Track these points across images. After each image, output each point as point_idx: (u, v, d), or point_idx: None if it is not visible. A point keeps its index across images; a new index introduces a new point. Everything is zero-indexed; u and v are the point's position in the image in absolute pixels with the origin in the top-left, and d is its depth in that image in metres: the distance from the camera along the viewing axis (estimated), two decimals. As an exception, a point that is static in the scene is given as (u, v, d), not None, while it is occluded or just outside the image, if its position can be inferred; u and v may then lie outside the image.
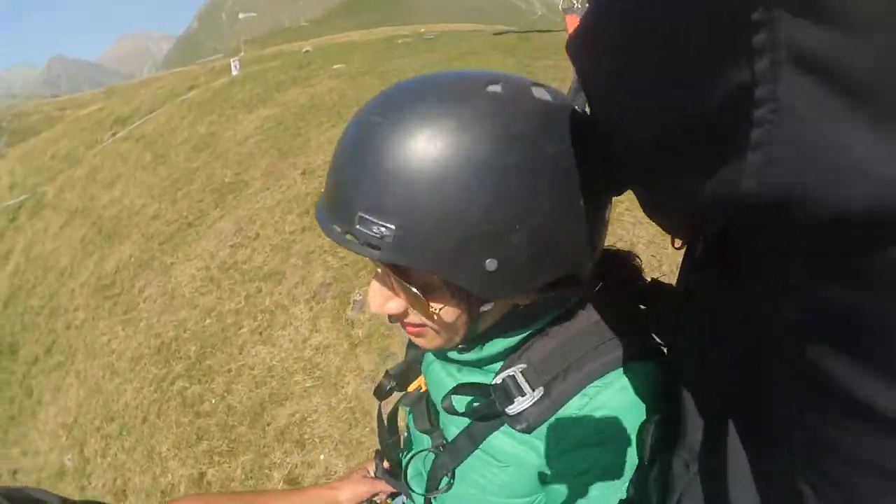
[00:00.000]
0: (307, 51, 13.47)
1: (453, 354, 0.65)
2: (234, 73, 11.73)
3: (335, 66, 9.51)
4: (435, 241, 0.46)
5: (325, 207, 0.51)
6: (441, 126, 0.45)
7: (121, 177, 8.12)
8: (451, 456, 0.67)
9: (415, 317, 0.57)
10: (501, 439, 0.63)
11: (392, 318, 0.59)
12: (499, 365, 0.63)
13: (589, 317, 0.61)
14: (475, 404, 0.62)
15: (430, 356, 0.75)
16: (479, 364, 0.65)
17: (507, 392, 0.58)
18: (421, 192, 0.45)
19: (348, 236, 0.48)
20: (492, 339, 0.62)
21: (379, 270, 0.56)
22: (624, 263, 0.68)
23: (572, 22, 1.87)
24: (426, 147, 0.45)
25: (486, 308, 0.55)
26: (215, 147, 7.00)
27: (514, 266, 0.48)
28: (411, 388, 0.80)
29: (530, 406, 0.57)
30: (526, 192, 0.47)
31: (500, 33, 12.34)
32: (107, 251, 6.07)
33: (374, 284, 0.57)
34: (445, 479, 0.68)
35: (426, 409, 0.74)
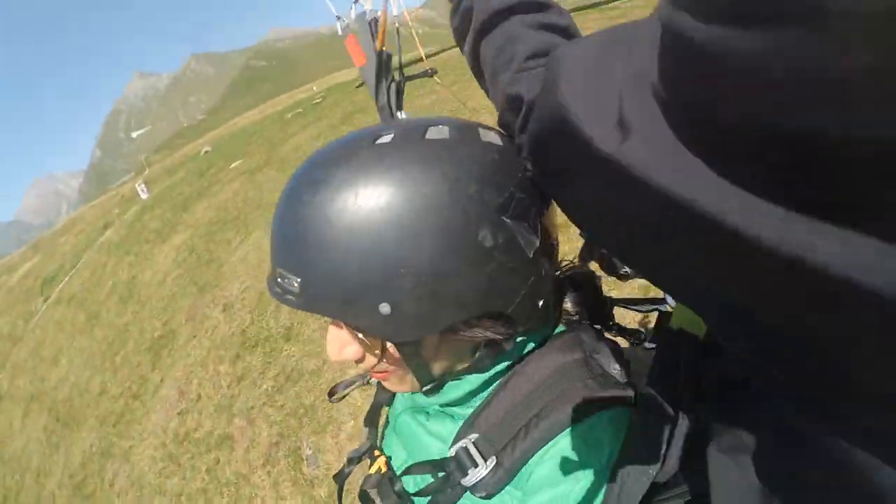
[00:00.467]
0: (206, 151, 13.55)
1: (420, 398, 0.66)
2: (144, 196, 11.70)
3: (234, 165, 9.60)
4: (330, 292, 0.50)
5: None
6: (318, 191, 0.50)
7: (62, 349, 8.05)
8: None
9: (370, 361, 0.59)
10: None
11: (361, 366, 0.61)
12: (468, 410, 0.63)
13: (558, 356, 0.61)
14: (431, 480, 0.62)
15: (397, 409, 0.76)
16: (448, 407, 0.66)
17: (461, 465, 0.58)
18: (310, 250, 0.50)
19: (275, 289, 0.54)
20: (453, 381, 0.63)
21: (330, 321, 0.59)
22: (586, 287, 0.68)
23: (354, 49, 1.77)
24: (309, 211, 0.50)
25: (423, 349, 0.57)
26: (139, 294, 6.92)
27: (407, 308, 0.50)
28: (372, 469, 0.77)
29: (486, 475, 0.57)
30: (403, 241, 0.49)
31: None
32: (69, 440, 5.99)
33: (329, 334, 0.60)
34: None
35: (390, 488, 0.72)
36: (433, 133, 0.52)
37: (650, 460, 0.51)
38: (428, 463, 0.63)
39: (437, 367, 0.60)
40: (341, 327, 0.58)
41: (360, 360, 0.60)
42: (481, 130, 0.56)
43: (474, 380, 0.62)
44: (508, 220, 0.51)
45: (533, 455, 0.56)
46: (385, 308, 0.50)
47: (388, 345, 0.56)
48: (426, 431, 0.68)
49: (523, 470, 0.57)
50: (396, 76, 1.41)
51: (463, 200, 0.49)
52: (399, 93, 1.34)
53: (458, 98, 4.52)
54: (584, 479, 0.54)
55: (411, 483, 0.69)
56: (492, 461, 0.58)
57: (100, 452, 5.16)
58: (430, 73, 1.41)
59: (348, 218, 0.49)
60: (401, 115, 1.44)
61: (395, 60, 1.57)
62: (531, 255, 0.54)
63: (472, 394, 0.63)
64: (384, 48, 1.43)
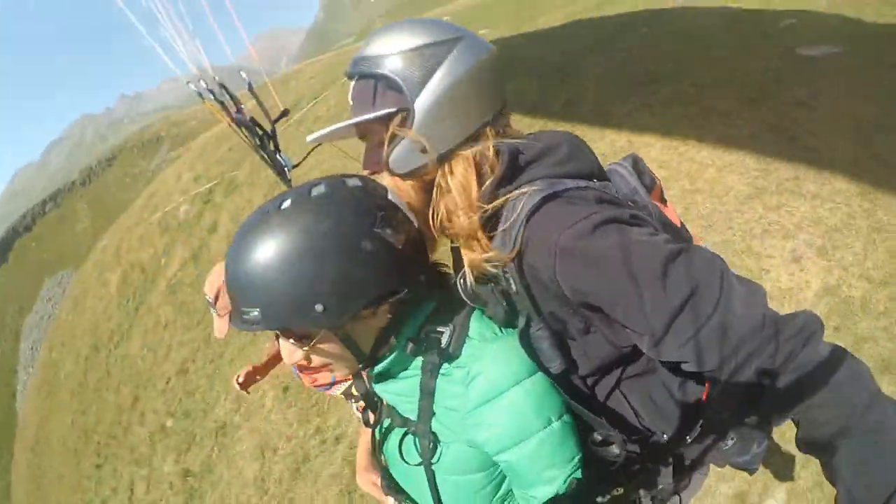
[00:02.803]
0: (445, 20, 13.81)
1: (370, 374, 0.94)
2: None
3: (481, 32, 9.91)
4: (280, 311, 0.76)
5: (231, 315, 0.83)
6: (253, 249, 0.76)
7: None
8: (423, 421, 0.90)
9: (316, 359, 0.86)
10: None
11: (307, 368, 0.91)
12: (408, 371, 0.91)
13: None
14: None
15: (374, 383, 1.00)
16: (390, 376, 0.93)
17: (431, 342, 0.88)
18: (260, 289, 0.76)
19: (243, 324, 0.78)
20: (384, 356, 0.89)
21: (281, 338, 0.85)
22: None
23: (220, 325, 1.91)
24: (251, 263, 0.76)
25: (351, 334, 0.84)
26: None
27: (333, 304, 0.77)
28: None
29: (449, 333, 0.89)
30: (314, 263, 0.75)
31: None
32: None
33: (281, 346, 0.86)
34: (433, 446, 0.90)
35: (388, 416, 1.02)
36: (315, 192, 0.80)
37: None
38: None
39: (365, 344, 0.87)
40: (288, 340, 0.83)
41: (307, 361, 0.86)
42: (346, 179, 0.84)
43: (397, 346, 0.89)
44: (378, 230, 0.79)
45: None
46: (319, 307, 0.76)
47: (325, 344, 0.83)
48: (385, 391, 0.97)
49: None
50: (266, 127, 1.74)
51: (345, 227, 0.78)
52: (273, 138, 1.72)
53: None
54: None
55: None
56: (450, 327, 0.89)
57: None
58: (286, 113, 1.75)
59: (277, 261, 0.75)
60: (282, 157, 1.76)
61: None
62: (401, 247, 0.82)
63: (402, 358, 0.90)
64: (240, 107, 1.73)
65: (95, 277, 12.92)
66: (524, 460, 0.84)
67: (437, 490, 0.92)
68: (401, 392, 0.94)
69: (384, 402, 1.03)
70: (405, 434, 0.95)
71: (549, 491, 0.84)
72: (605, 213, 0.78)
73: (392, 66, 0.86)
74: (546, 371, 0.87)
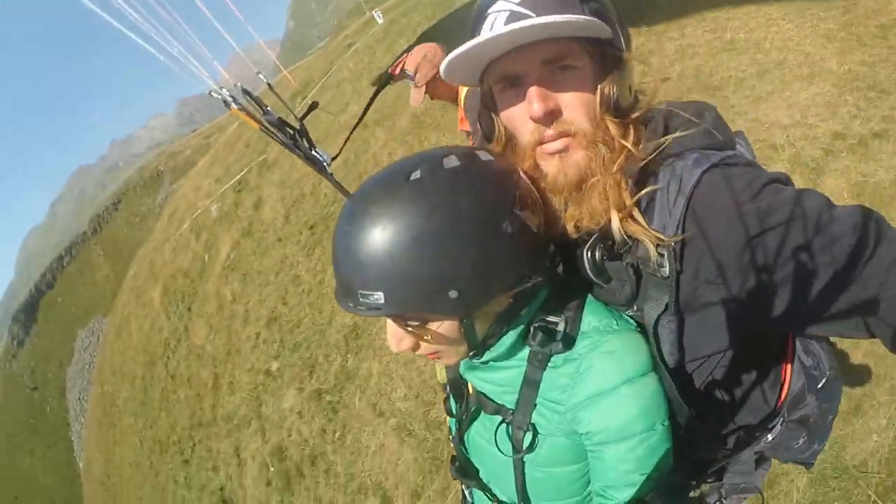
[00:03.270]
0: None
1: (475, 363, 0.87)
2: (380, 21, 14.00)
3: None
4: (411, 295, 0.68)
5: (339, 294, 0.75)
6: (379, 224, 0.67)
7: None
8: (522, 412, 0.84)
9: (426, 346, 0.79)
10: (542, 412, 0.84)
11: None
12: (512, 361, 0.85)
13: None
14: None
15: (463, 369, 0.94)
16: (496, 362, 0.85)
17: (546, 331, 0.81)
18: (386, 269, 0.67)
19: (359, 308, 0.70)
20: (496, 341, 0.82)
21: (388, 322, 0.78)
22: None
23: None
24: (379, 241, 0.67)
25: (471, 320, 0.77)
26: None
27: (469, 290, 0.69)
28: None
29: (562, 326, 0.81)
30: (455, 244, 0.67)
31: None
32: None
33: (389, 332, 0.80)
34: (528, 435, 0.85)
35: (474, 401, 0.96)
36: (448, 163, 0.71)
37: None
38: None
39: (481, 331, 0.80)
40: (403, 325, 0.76)
41: (415, 348, 0.79)
42: (478, 153, 0.75)
43: (512, 334, 0.82)
44: (517, 211, 0.72)
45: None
46: (454, 293, 0.68)
47: (435, 325, 0.75)
48: (486, 382, 0.91)
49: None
50: (296, 124, 1.64)
51: (486, 205, 0.70)
52: (305, 134, 1.58)
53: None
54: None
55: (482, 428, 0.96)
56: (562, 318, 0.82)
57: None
58: (315, 106, 1.82)
59: (411, 240, 0.66)
60: (319, 151, 1.65)
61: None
62: (536, 230, 0.75)
63: (513, 347, 0.83)
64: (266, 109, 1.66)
65: (134, 301, 13.25)
66: (615, 459, 0.80)
67: (523, 482, 0.89)
68: (502, 382, 0.88)
69: (472, 389, 0.98)
70: (500, 423, 0.89)
71: (628, 494, 0.81)
72: (765, 175, 0.75)
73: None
74: (663, 362, 0.82)
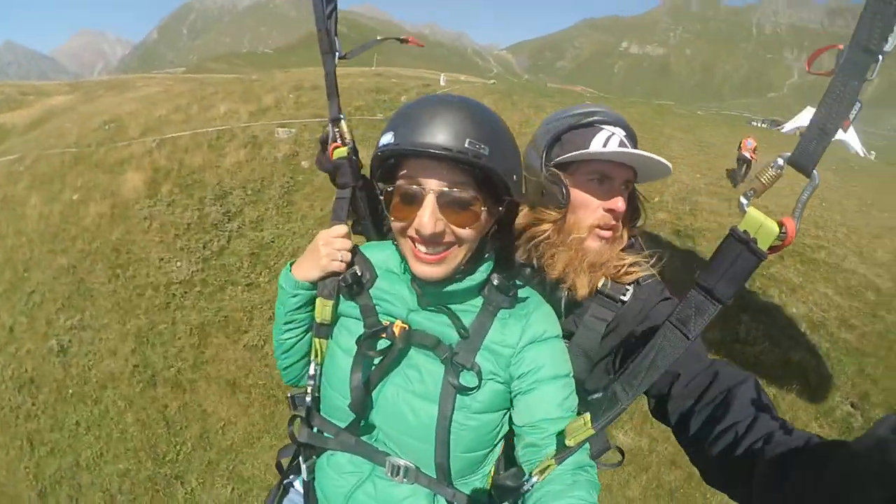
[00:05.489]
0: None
1: (450, 287, 1.00)
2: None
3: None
4: (503, 161, 0.92)
5: (436, 142, 0.87)
6: (468, 103, 0.93)
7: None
8: (468, 350, 0.99)
9: (450, 236, 0.94)
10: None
11: (433, 238, 0.93)
12: (466, 306, 1.04)
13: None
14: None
15: (409, 311, 1.04)
16: (453, 304, 1.03)
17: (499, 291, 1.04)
18: (491, 131, 0.92)
19: (460, 153, 0.87)
20: (471, 273, 1.02)
21: (431, 202, 0.91)
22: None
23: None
24: (483, 113, 0.93)
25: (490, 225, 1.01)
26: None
27: (520, 182, 0.99)
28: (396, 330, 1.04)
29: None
30: (513, 139, 0.97)
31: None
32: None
33: (427, 212, 0.91)
34: (470, 376, 0.98)
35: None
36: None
37: None
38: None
39: (473, 252, 1.00)
40: (435, 210, 0.91)
41: (441, 236, 0.93)
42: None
43: (478, 275, 1.03)
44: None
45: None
46: (517, 177, 0.97)
47: (484, 218, 0.96)
48: (431, 322, 1.04)
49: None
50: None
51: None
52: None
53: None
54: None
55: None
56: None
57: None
58: (403, 40, 1.65)
59: (500, 123, 0.96)
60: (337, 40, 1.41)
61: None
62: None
63: (471, 291, 1.03)
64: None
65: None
66: (551, 394, 0.98)
67: (448, 430, 0.95)
68: (449, 324, 1.01)
69: (400, 331, 1.00)
70: (443, 358, 0.98)
71: (560, 426, 0.95)
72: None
73: None
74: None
